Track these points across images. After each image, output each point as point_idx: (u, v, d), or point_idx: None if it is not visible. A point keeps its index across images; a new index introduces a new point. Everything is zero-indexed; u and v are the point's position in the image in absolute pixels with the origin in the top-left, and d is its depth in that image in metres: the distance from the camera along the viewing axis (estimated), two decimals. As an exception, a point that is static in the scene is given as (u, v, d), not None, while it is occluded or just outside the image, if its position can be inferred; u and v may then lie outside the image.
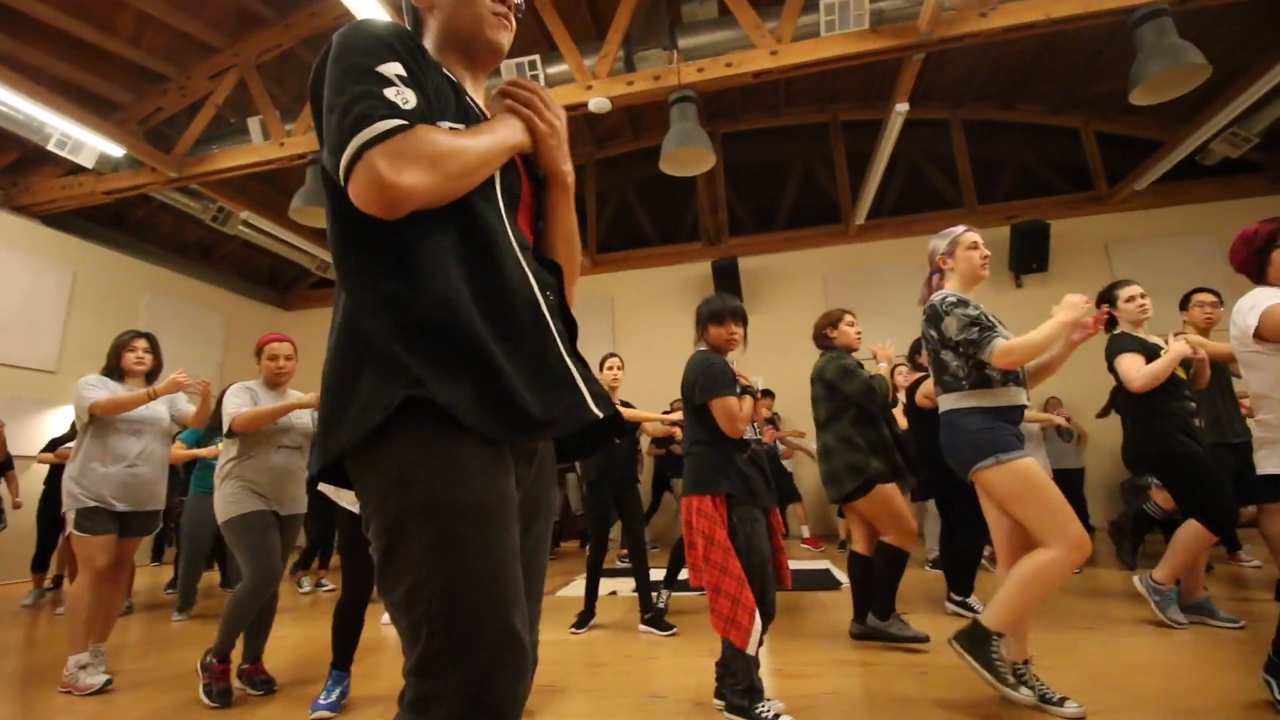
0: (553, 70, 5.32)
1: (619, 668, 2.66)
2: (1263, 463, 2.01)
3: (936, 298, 2.16)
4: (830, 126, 8.23)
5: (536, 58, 5.26)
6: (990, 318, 2.07)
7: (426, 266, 0.81)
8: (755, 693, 1.96)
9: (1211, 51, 4.19)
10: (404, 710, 0.73)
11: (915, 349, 3.81)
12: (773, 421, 6.41)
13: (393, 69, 0.81)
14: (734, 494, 2.10)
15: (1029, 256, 7.11)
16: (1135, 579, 2.96)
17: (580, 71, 5.10)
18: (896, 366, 4.05)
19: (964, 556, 3.28)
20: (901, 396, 3.72)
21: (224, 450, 2.58)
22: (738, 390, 2.17)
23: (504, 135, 0.90)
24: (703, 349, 2.32)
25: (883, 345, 3.06)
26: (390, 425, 0.75)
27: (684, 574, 2.84)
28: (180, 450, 4.12)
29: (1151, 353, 2.83)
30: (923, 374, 3.59)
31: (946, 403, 2.12)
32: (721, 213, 8.35)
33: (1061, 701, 1.90)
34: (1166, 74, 4.01)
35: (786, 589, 2.20)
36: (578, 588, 4.53)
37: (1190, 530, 2.76)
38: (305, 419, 2.70)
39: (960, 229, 2.25)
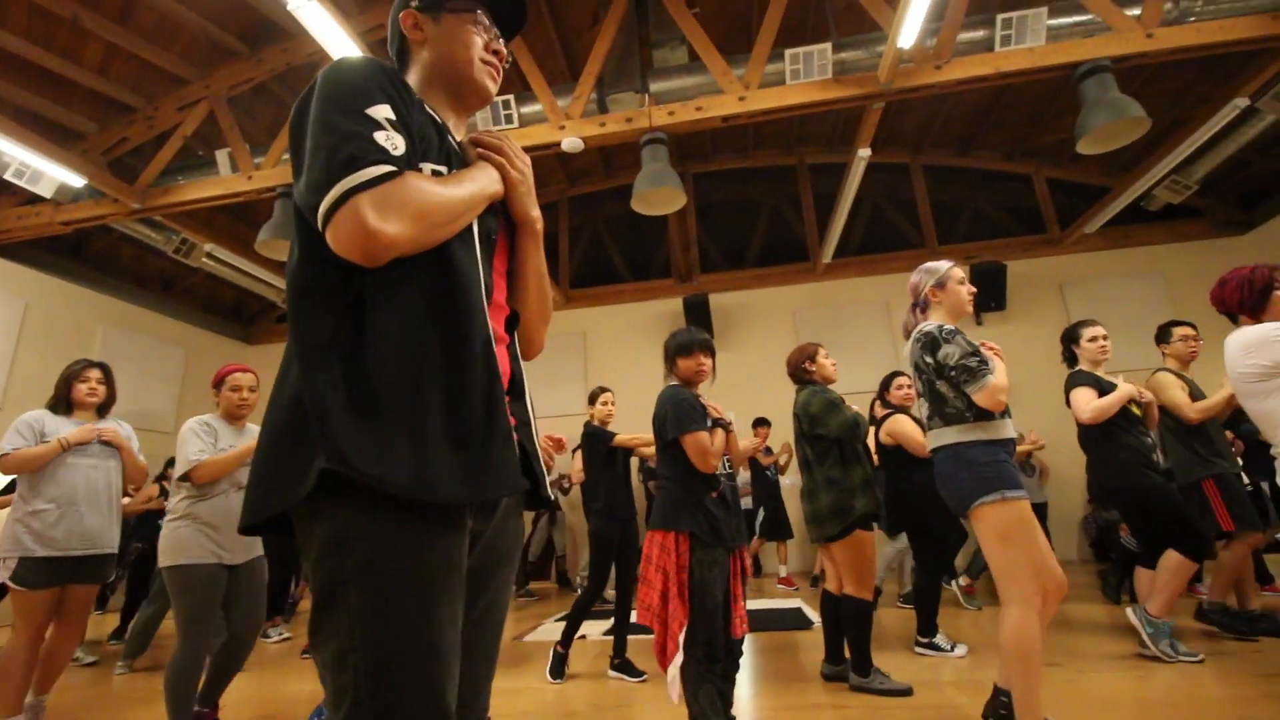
0: (526, 110, 5.41)
1: (592, 718, 2.57)
2: None
3: (931, 326, 2.11)
4: (797, 169, 8.48)
5: (511, 98, 5.35)
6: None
7: (388, 326, 0.78)
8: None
9: (1151, 105, 4.45)
10: None
11: (884, 385, 3.87)
12: (770, 453, 6.39)
13: (383, 112, 0.80)
14: (697, 534, 2.08)
15: (988, 295, 7.33)
16: (1128, 610, 2.95)
17: (554, 112, 5.19)
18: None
19: (922, 596, 3.28)
20: (872, 431, 3.76)
21: (176, 487, 2.45)
22: (709, 424, 2.16)
23: (484, 184, 0.91)
24: (673, 384, 2.31)
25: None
26: (334, 482, 0.72)
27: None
28: (136, 505, 3.93)
29: (1106, 390, 2.97)
30: (890, 410, 3.64)
31: (950, 435, 2.04)
32: (693, 250, 8.47)
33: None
34: (1110, 126, 4.23)
35: (734, 639, 2.11)
36: (547, 632, 4.39)
37: (1172, 560, 2.80)
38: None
39: (946, 264, 2.24)
